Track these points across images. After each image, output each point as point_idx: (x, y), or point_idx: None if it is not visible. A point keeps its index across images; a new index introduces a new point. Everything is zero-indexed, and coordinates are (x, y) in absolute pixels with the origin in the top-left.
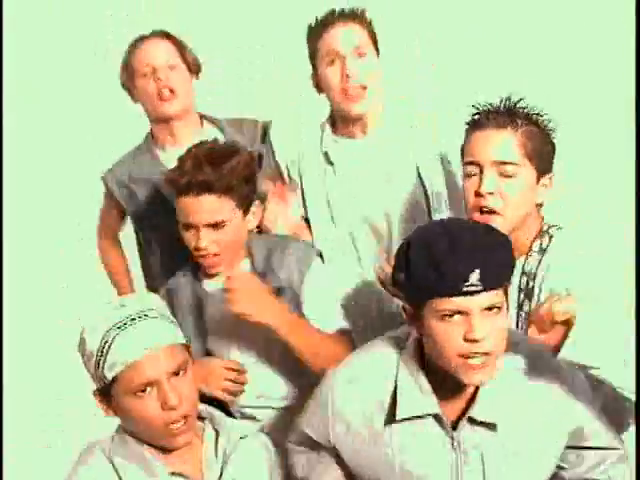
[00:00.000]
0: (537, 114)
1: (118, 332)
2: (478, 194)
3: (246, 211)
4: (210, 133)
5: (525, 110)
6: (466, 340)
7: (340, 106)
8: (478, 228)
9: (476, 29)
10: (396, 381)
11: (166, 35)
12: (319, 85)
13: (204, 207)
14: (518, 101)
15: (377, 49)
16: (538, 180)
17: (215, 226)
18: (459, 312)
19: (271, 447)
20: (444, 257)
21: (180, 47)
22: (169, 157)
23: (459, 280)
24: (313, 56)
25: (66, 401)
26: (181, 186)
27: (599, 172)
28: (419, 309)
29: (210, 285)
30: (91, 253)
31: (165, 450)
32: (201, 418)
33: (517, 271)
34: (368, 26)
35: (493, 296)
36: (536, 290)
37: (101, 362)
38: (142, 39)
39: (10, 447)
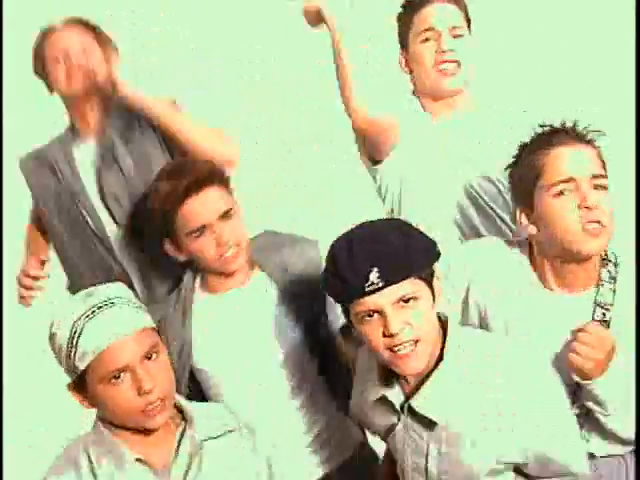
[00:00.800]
0: (596, 133)
1: (86, 321)
2: (587, 207)
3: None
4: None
5: (585, 131)
6: (385, 336)
7: (432, 83)
8: (378, 225)
9: (477, 32)
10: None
11: (80, 21)
12: (407, 64)
13: (211, 200)
14: (579, 122)
15: (470, 32)
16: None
17: (226, 217)
18: (375, 311)
19: (245, 445)
20: (342, 262)
21: (96, 33)
22: (83, 152)
23: (359, 282)
24: (404, 34)
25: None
26: (180, 192)
27: None
28: (348, 314)
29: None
30: None
31: (140, 435)
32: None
33: (586, 303)
34: (464, 9)
35: (403, 287)
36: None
37: (72, 353)
38: (54, 27)
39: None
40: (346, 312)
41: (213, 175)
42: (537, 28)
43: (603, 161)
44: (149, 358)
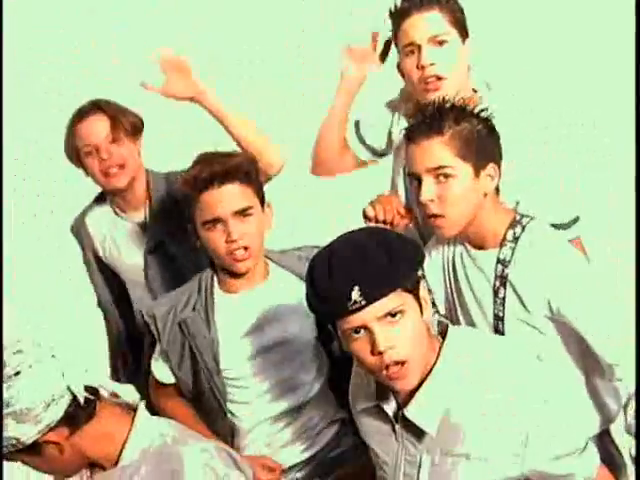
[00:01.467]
0: (464, 111)
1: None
2: (421, 203)
3: (262, 204)
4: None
5: (453, 113)
6: (374, 354)
7: (420, 98)
8: (357, 238)
9: (477, 29)
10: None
11: (101, 108)
12: (403, 74)
13: (229, 195)
14: (445, 104)
15: (465, 31)
16: (478, 173)
17: (242, 214)
18: (362, 327)
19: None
20: (322, 281)
21: (116, 116)
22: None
23: (341, 302)
24: (396, 44)
25: None
26: (203, 179)
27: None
28: (336, 329)
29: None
30: None
31: None
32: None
33: (493, 259)
34: (449, 9)
35: (387, 303)
36: (511, 278)
37: None
38: (80, 117)
39: None
40: (334, 327)
41: (238, 171)
42: (537, 27)
43: (457, 146)
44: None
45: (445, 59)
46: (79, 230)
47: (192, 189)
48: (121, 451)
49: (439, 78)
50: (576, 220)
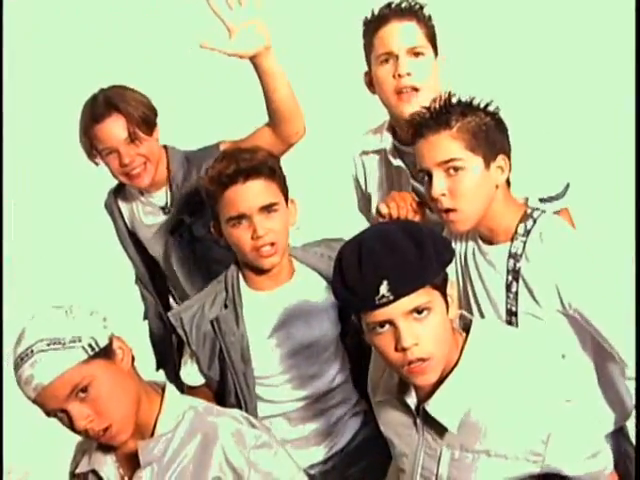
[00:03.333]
0: (471, 106)
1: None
2: (433, 198)
3: (286, 200)
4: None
5: (460, 107)
6: (397, 350)
7: (393, 109)
8: (388, 231)
9: (478, 29)
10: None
11: (116, 107)
12: (372, 85)
13: (254, 191)
14: (450, 99)
15: (436, 49)
16: (489, 165)
17: (268, 210)
18: (387, 322)
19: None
20: (350, 273)
21: (131, 114)
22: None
23: (369, 295)
24: (367, 55)
25: None
26: (228, 175)
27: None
28: (360, 322)
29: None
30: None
31: None
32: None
33: (505, 254)
34: (426, 24)
35: (415, 299)
36: (522, 271)
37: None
38: (96, 119)
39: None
40: (358, 319)
41: (263, 166)
42: (537, 29)
43: (466, 139)
44: (83, 391)
45: (421, 70)
46: (111, 206)
47: (217, 185)
48: (155, 423)
49: (415, 89)
50: (567, 187)
